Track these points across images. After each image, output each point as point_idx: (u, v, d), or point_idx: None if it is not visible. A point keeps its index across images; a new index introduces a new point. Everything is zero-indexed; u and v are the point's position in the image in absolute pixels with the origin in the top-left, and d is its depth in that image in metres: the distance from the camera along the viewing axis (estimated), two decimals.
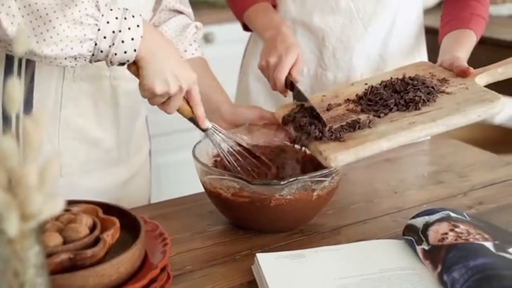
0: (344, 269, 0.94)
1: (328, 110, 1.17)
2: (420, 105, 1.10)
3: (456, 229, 0.96)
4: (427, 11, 1.69)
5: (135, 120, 1.27)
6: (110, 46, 0.97)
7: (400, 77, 1.20)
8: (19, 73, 1.08)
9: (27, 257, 0.61)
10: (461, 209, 1.11)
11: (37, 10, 0.93)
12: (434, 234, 0.96)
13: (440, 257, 0.92)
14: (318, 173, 1.04)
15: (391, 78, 1.21)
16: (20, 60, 1.08)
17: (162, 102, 1.05)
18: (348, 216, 1.14)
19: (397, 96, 1.14)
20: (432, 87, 1.14)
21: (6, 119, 1.08)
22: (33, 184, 0.59)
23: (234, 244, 1.05)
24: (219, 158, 1.19)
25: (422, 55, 1.52)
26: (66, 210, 0.86)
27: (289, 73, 1.24)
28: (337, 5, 1.40)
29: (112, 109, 1.19)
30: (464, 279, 0.86)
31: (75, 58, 0.97)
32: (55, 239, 0.79)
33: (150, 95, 1.04)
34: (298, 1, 1.42)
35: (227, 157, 1.12)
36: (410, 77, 1.19)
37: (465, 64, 1.20)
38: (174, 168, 2.38)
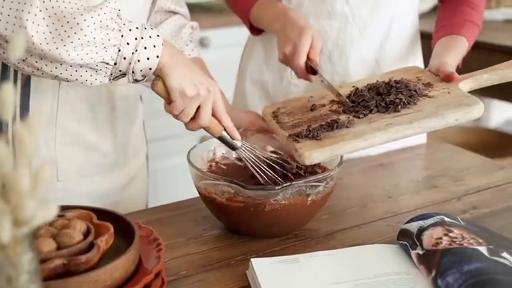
0: (339, 274, 0.94)
1: (311, 110, 1.20)
2: (399, 107, 1.11)
3: (450, 234, 0.96)
4: (422, 16, 1.69)
5: (132, 124, 1.27)
6: (133, 53, 0.98)
7: (386, 80, 1.21)
8: (15, 78, 1.08)
9: (20, 263, 0.61)
10: (456, 213, 1.11)
11: (64, 16, 0.94)
12: (428, 238, 0.96)
13: (434, 261, 0.92)
14: (313, 178, 1.04)
15: (377, 81, 1.22)
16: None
17: (191, 118, 1.04)
18: (343, 221, 1.14)
19: (379, 98, 1.15)
20: (415, 91, 1.16)
21: (1, 124, 1.08)
22: (26, 189, 0.59)
23: (229, 249, 1.05)
24: (214, 163, 1.19)
25: (418, 60, 1.52)
26: (60, 216, 0.86)
27: (308, 58, 1.25)
28: (333, 10, 1.40)
29: (109, 113, 1.19)
30: (458, 283, 0.87)
31: (96, 71, 0.98)
32: (48, 245, 0.79)
33: (181, 102, 1.02)
34: (294, 6, 1.42)
35: (261, 174, 1.09)
36: (395, 80, 1.20)
37: (450, 69, 1.21)
38: (169, 173, 2.38)
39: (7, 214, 0.58)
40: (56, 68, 0.96)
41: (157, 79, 1.02)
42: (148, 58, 0.99)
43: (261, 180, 1.08)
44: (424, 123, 1.07)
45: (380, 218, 1.15)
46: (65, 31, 0.94)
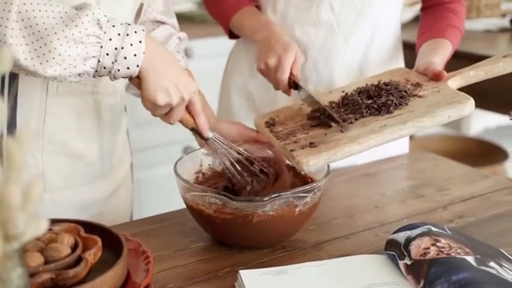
0: (327, 285, 0.94)
1: (310, 119, 1.19)
2: (392, 108, 1.12)
3: (438, 244, 0.97)
4: (404, 26, 1.71)
5: (117, 133, 1.26)
6: (113, 63, 0.98)
7: (375, 83, 1.22)
8: (1, 91, 1.07)
9: (10, 278, 0.60)
10: (442, 223, 1.12)
11: (38, 31, 0.93)
12: (416, 248, 0.96)
13: (422, 271, 0.92)
14: (300, 189, 1.04)
15: (366, 84, 1.23)
16: (3, 78, 1.07)
17: (165, 113, 1.06)
18: (330, 232, 1.14)
19: (370, 101, 1.15)
20: (405, 91, 1.16)
21: None
22: (16, 204, 0.58)
23: (217, 261, 1.04)
24: (200, 174, 1.18)
25: (400, 66, 1.54)
26: (48, 230, 0.85)
27: (290, 73, 1.26)
28: (318, 18, 1.41)
29: (95, 123, 1.19)
30: None
31: (79, 75, 0.98)
32: (36, 259, 0.78)
33: (152, 107, 1.04)
34: (280, 14, 1.43)
35: (229, 167, 1.12)
36: (384, 82, 1.21)
37: (438, 67, 1.22)
38: (154, 183, 2.37)
39: None
40: (41, 77, 0.97)
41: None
42: (128, 68, 0.99)
43: (229, 174, 1.11)
44: (418, 122, 1.08)
45: (367, 228, 1.15)
46: (40, 47, 0.94)
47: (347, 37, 1.42)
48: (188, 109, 1.09)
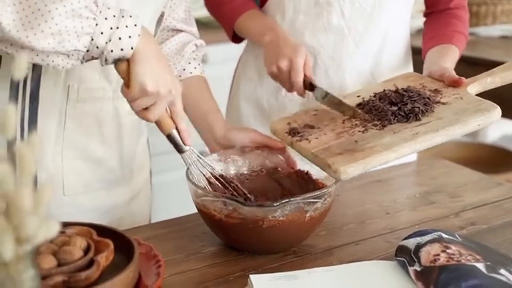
0: None
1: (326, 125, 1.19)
2: (420, 115, 1.13)
3: (448, 250, 0.97)
4: (416, 32, 1.71)
5: (137, 140, 1.27)
6: (106, 43, 0.96)
7: (393, 88, 1.22)
8: (23, 93, 1.08)
9: (22, 280, 0.61)
10: (453, 229, 1.12)
11: (35, 3, 0.91)
12: (426, 255, 0.97)
13: (432, 278, 0.92)
14: (311, 194, 1.04)
15: (384, 90, 1.23)
16: (24, 81, 1.08)
17: (145, 108, 1.02)
18: (341, 237, 1.15)
19: (394, 107, 1.16)
20: (428, 98, 1.17)
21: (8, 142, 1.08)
22: (28, 207, 0.60)
23: (227, 266, 1.05)
24: (212, 180, 1.19)
25: (410, 71, 1.55)
26: (61, 232, 0.86)
27: (304, 75, 1.27)
28: (329, 24, 1.41)
29: (115, 129, 1.19)
30: None
31: (68, 56, 0.96)
32: (49, 262, 0.80)
33: (138, 93, 1.00)
34: (288, 21, 1.43)
35: (203, 182, 1.11)
36: (403, 88, 1.21)
37: (455, 74, 1.23)
38: (170, 187, 2.38)
39: (9, 231, 0.58)
40: (27, 54, 0.94)
41: (123, 61, 1.00)
42: (121, 49, 0.97)
43: (196, 183, 1.08)
44: (450, 130, 1.09)
45: (378, 235, 1.15)
46: (35, 18, 0.91)
47: (358, 42, 1.42)
48: (170, 110, 1.07)
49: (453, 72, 1.25)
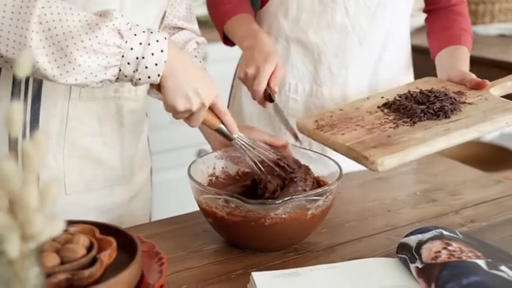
0: (339, 287, 0.95)
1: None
2: (449, 113, 1.16)
3: (449, 247, 0.97)
4: (416, 30, 1.72)
5: (138, 139, 1.27)
6: (134, 72, 0.99)
7: (417, 90, 1.26)
8: (25, 92, 1.09)
9: (27, 278, 0.61)
10: (454, 227, 1.12)
11: (58, 41, 0.93)
12: (427, 252, 0.97)
13: (433, 275, 0.92)
14: (313, 192, 1.05)
15: (408, 91, 1.27)
16: (26, 80, 1.08)
17: (186, 117, 1.08)
18: (342, 235, 1.15)
19: (423, 106, 1.19)
20: (454, 98, 1.21)
21: (11, 141, 1.08)
22: (33, 205, 0.60)
23: (229, 263, 1.05)
24: (214, 177, 1.19)
25: (410, 69, 1.56)
26: (64, 230, 0.86)
27: (268, 84, 1.26)
28: (333, 21, 1.41)
29: (117, 128, 1.20)
30: None
31: (101, 82, 0.99)
32: (52, 260, 0.80)
33: (172, 112, 1.07)
34: (292, 19, 1.43)
35: (256, 165, 1.13)
36: (427, 90, 1.26)
37: (476, 77, 1.26)
38: (170, 185, 2.38)
39: (15, 229, 0.59)
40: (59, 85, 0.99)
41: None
42: (149, 77, 1.00)
43: (257, 171, 1.12)
44: (481, 127, 1.12)
45: (379, 232, 1.16)
46: (60, 58, 0.94)
47: (362, 40, 1.43)
48: (213, 110, 1.11)
49: (474, 75, 1.27)
